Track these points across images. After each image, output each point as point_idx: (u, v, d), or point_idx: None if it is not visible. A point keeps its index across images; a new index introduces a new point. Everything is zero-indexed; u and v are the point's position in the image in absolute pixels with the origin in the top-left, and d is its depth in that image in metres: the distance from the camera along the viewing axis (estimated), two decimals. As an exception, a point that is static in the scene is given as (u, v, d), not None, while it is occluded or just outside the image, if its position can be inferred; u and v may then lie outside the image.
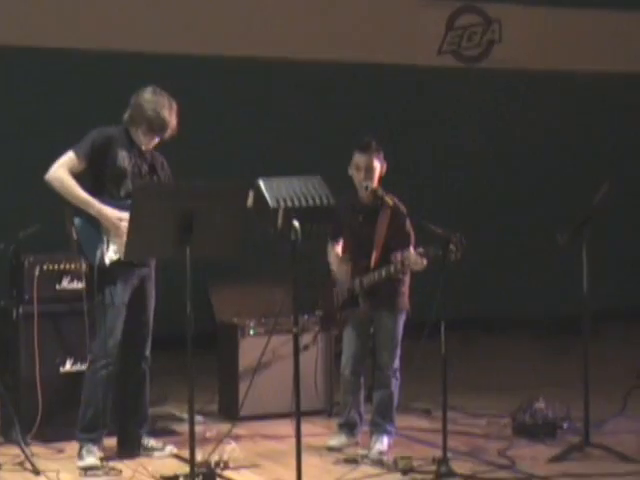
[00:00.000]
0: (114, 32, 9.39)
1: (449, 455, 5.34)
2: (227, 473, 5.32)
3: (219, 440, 5.64)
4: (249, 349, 6.58)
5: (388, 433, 5.86)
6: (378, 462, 5.62)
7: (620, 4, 11.24)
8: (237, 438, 5.95)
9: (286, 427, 5.85)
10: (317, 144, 9.70)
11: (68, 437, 5.74)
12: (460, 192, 10.56)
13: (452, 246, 5.30)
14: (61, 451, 5.81)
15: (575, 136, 11.07)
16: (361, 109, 10.07)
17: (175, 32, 9.65)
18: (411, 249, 5.68)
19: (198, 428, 5.35)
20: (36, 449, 5.75)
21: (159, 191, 5.00)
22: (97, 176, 5.58)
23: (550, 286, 10.07)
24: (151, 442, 5.80)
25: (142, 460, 5.63)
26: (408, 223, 5.82)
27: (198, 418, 6.11)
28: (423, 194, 9.53)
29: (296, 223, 4.73)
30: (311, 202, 4.87)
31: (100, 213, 5.49)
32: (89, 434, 5.56)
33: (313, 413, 6.45)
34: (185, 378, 4.76)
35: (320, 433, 6.22)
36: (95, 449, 5.54)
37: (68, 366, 6.04)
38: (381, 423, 5.86)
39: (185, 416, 5.70)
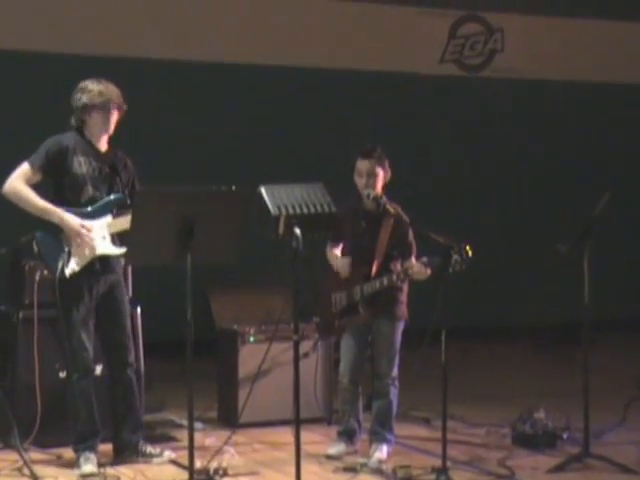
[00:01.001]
0: (100, 37, 9.33)
1: (448, 464, 5.34)
2: (226, 480, 5.34)
3: (218, 447, 5.66)
4: (249, 356, 6.57)
5: (387, 442, 5.87)
6: (377, 471, 5.62)
7: (621, 15, 11.27)
8: (236, 445, 5.96)
9: (285, 434, 5.88)
10: (318, 152, 9.70)
11: (67, 443, 5.71)
12: (462, 201, 10.59)
13: (456, 256, 5.26)
14: (59, 457, 5.80)
15: (576, 145, 11.10)
16: (363, 116, 10.08)
17: (169, 38, 9.63)
18: (413, 259, 5.70)
19: (197, 435, 5.34)
20: (34, 455, 5.75)
21: (160, 196, 4.98)
22: (56, 185, 5.55)
23: (550, 295, 10.06)
24: (149, 448, 5.79)
25: (141, 467, 5.63)
26: (411, 232, 5.83)
27: (197, 425, 6.11)
28: (424, 203, 9.53)
29: (297, 230, 4.72)
30: (312, 210, 4.87)
31: (62, 220, 5.44)
32: (83, 444, 5.57)
33: (312, 421, 6.44)
34: (184, 384, 4.76)
35: (319, 441, 6.22)
36: (92, 456, 5.54)
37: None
38: (380, 432, 5.87)
39: (184, 423, 5.66)
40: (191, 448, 4.74)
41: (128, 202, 5.56)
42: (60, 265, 5.42)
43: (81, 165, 5.56)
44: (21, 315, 5.99)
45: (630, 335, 10.31)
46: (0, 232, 6.36)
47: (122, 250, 5.43)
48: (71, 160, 5.54)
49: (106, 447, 5.74)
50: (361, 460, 5.78)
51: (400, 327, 5.87)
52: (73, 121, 5.63)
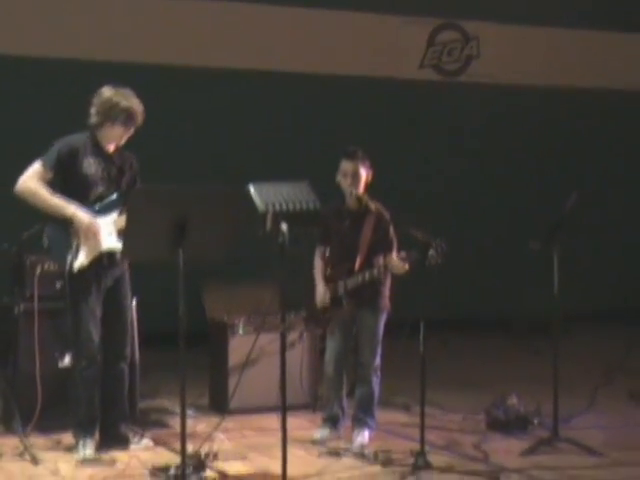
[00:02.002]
0: (94, 42, 9.41)
1: (427, 448, 5.47)
2: (216, 464, 5.41)
3: (209, 433, 5.72)
4: (238, 346, 6.63)
5: (369, 427, 6.00)
6: (359, 455, 5.73)
7: (594, 23, 11.43)
8: (226, 431, 6.03)
9: (273, 420, 5.88)
10: (304, 153, 9.79)
11: (66, 428, 5.82)
12: (440, 199, 10.66)
13: (432, 251, 5.39)
14: (59, 442, 5.88)
15: (548, 147, 11.25)
16: (346, 119, 10.19)
17: (161, 42, 9.73)
18: (393, 254, 5.82)
19: (189, 421, 5.38)
20: (35, 440, 5.83)
21: (153, 195, 4.93)
22: (64, 185, 5.59)
23: (524, 288, 10.18)
24: (130, 437, 5.86)
25: (135, 452, 5.72)
26: (392, 229, 5.94)
27: (189, 412, 6.13)
28: (405, 202, 9.65)
29: (284, 226, 4.79)
30: (298, 206, 4.92)
31: (75, 214, 5.50)
32: (83, 429, 5.67)
33: (298, 407, 6.49)
34: (177, 374, 4.80)
35: (305, 427, 6.29)
36: (90, 442, 5.66)
37: (66, 361, 6.06)
38: (362, 418, 6.00)
39: (177, 410, 5.73)
40: (183, 434, 4.79)
41: None
42: (69, 259, 5.50)
43: (90, 166, 5.64)
44: (22, 307, 6.05)
45: (598, 326, 10.41)
46: (1, 229, 6.51)
47: None
48: (81, 161, 5.62)
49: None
50: (344, 444, 5.90)
51: (382, 318, 5.98)
52: (95, 119, 5.62)
